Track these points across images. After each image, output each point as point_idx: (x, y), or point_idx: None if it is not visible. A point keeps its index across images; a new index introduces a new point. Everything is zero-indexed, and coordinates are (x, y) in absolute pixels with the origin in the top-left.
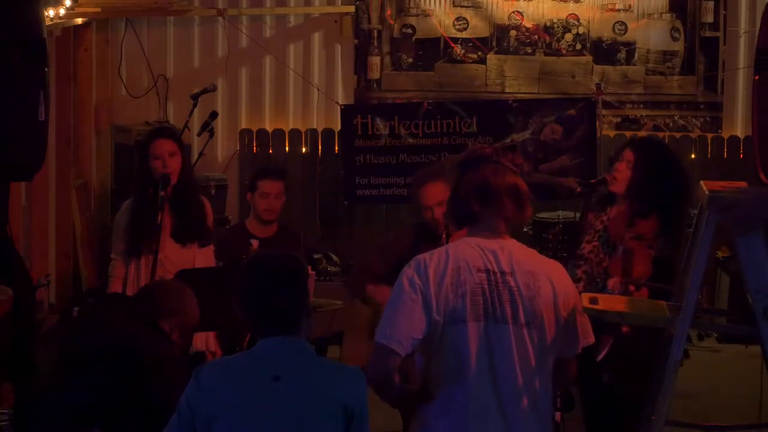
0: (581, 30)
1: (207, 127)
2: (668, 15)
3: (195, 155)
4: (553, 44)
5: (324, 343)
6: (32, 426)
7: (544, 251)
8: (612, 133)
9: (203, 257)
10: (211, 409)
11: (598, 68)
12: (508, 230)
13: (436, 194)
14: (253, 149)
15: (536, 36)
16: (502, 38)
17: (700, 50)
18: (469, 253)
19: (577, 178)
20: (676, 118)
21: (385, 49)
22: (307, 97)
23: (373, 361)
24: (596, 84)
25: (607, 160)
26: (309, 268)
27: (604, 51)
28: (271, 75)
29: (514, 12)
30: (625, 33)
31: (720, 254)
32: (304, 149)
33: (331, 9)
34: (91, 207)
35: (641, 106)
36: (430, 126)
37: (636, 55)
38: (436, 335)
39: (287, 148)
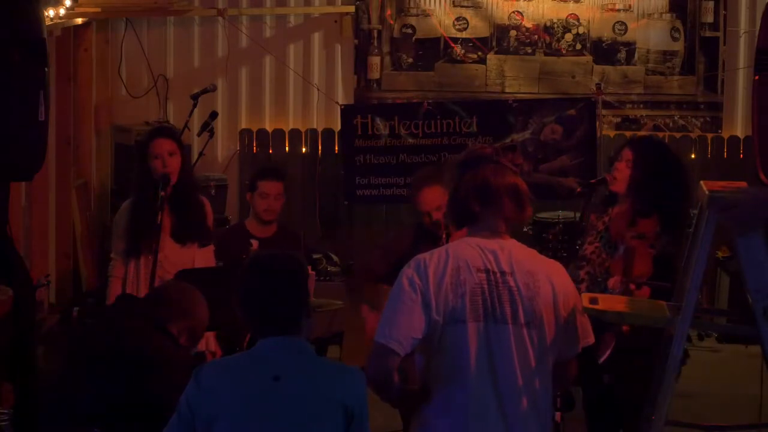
0: (581, 30)
1: (207, 127)
2: (668, 15)
3: (195, 155)
4: (553, 44)
5: (324, 343)
6: (33, 426)
7: (544, 251)
8: (612, 133)
9: (203, 257)
10: (211, 409)
11: (598, 68)
12: (508, 230)
13: (434, 199)
14: (253, 149)
15: (536, 36)
16: (502, 38)
17: (700, 50)
18: (468, 253)
19: (577, 178)
20: (676, 118)
21: (385, 49)
22: (307, 97)
23: (373, 360)
24: (596, 84)
25: (607, 160)
26: (309, 268)
27: (604, 51)
28: (271, 75)
29: (514, 12)
30: (625, 33)
31: (720, 254)
32: (304, 149)
33: (331, 9)
34: (91, 207)
35: (641, 106)
36: (430, 126)
37: (636, 55)
38: (436, 335)
39: (287, 148)
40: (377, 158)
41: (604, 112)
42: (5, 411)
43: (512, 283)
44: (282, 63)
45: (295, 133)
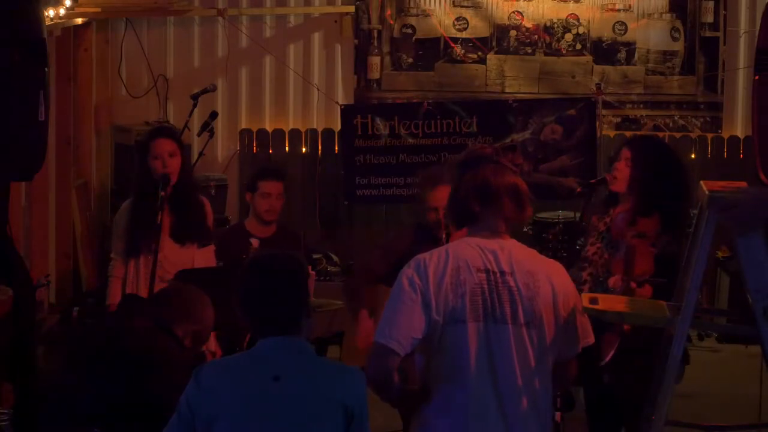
0: (581, 30)
1: (207, 127)
2: (668, 15)
3: (195, 155)
4: (553, 44)
5: (324, 343)
6: (33, 426)
7: (544, 251)
8: (612, 133)
9: (203, 257)
10: (211, 409)
11: (598, 68)
12: (508, 230)
13: (447, 197)
14: (253, 149)
15: (536, 36)
16: (502, 38)
17: (700, 50)
18: (468, 253)
19: (577, 178)
20: (676, 118)
21: (385, 49)
22: (307, 97)
23: (373, 360)
24: (596, 84)
25: (607, 160)
26: (309, 268)
27: (604, 51)
28: (271, 75)
29: (514, 12)
30: (625, 33)
31: (720, 254)
32: (304, 149)
33: (331, 9)
34: (91, 207)
35: (641, 106)
36: (430, 126)
37: (636, 55)
38: (436, 335)
39: (287, 148)
40: (377, 158)
41: (604, 112)
42: (5, 411)
43: (512, 283)
44: (282, 63)
45: (295, 133)
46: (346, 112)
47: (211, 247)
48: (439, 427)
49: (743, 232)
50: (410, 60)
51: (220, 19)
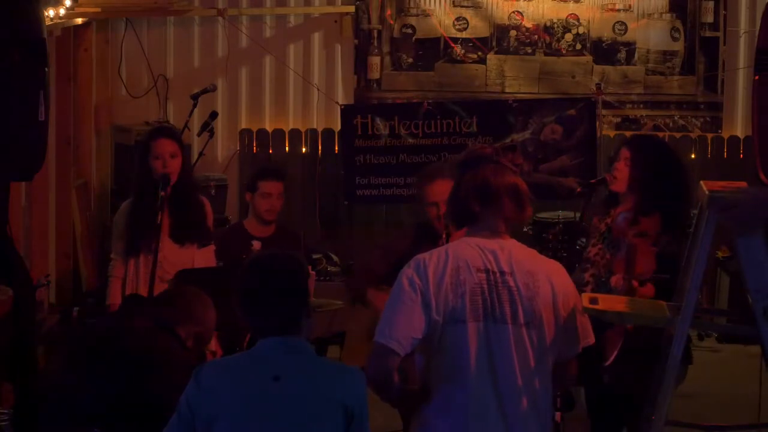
0: (581, 30)
1: (207, 127)
2: (668, 15)
3: (195, 155)
4: (553, 44)
5: (324, 343)
6: (33, 426)
7: (544, 251)
8: (612, 133)
9: (203, 257)
10: (211, 409)
11: (598, 68)
12: (508, 230)
13: (445, 191)
14: (253, 149)
15: (536, 36)
16: (502, 38)
17: (700, 50)
18: (468, 252)
19: (577, 178)
20: (676, 118)
21: (385, 49)
22: (307, 97)
23: (373, 360)
24: (596, 84)
25: (607, 160)
26: (309, 268)
27: (604, 51)
28: (271, 75)
29: (514, 12)
30: (625, 33)
31: (720, 254)
32: (304, 149)
33: (331, 9)
34: (91, 207)
35: (641, 106)
36: (430, 126)
37: (636, 55)
38: (436, 335)
39: (287, 148)
40: (377, 158)
41: (604, 112)
42: (5, 411)
43: (512, 283)
44: (282, 63)
45: (295, 133)
46: (346, 112)
47: (211, 247)
48: (439, 427)
49: (743, 232)
50: (410, 60)
51: (220, 19)
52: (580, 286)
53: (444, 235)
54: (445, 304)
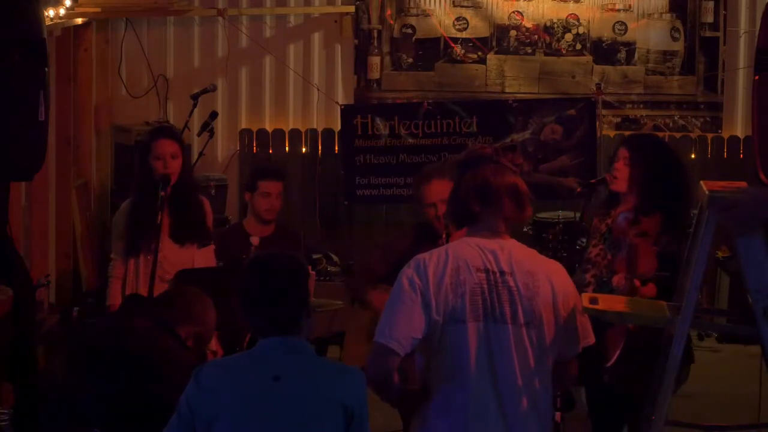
0: (581, 30)
1: (207, 127)
2: (668, 15)
3: (195, 155)
4: (553, 44)
5: (324, 343)
6: (33, 426)
7: (544, 251)
8: (612, 133)
9: (203, 257)
10: (211, 409)
11: (598, 68)
12: (508, 230)
13: (442, 191)
14: (253, 149)
15: (536, 36)
16: (502, 38)
17: (700, 50)
18: (468, 252)
19: (577, 178)
20: (676, 118)
21: (385, 49)
22: (307, 97)
23: (373, 360)
24: (596, 84)
25: (607, 160)
26: (309, 268)
27: (604, 51)
28: (271, 75)
29: (514, 12)
30: (625, 33)
31: (720, 254)
32: (304, 149)
33: (331, 9)
34: (91, 207)
35: (641, 106)
36: (430, 126)
37: (636, 55)
38: (436, 335)
39: (287, 148)
40: (377, 158)
41: (604, 112)
42: (5, 411)
43: (512, 283)
44: (282, 63)
45: (295, 133)
46: (346, 112)
47: (211, 247)
48: (439, 427)
49: (743, 232)
50: (410, 60)
51: (220, 19)
52: (582, 287)
53: (444, 235)
54: (445, 304)
